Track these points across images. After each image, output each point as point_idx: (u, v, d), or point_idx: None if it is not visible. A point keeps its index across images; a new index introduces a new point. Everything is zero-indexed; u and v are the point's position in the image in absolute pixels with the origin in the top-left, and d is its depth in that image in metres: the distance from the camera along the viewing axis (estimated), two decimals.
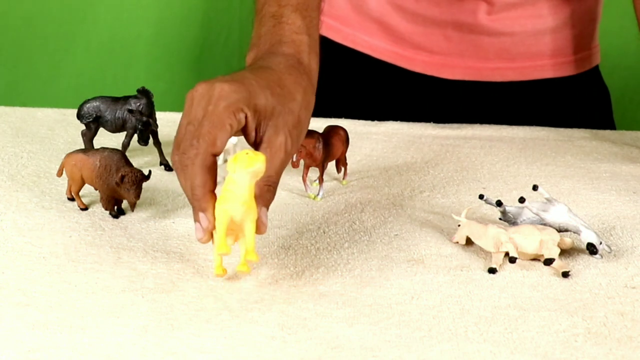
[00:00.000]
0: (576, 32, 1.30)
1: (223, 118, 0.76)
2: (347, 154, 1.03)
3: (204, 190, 0.76)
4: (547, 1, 1.26)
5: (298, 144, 0.81)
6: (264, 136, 0.79)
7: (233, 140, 0.99)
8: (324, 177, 1.00)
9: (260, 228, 0.76)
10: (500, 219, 0.91)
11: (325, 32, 1.32)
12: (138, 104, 1.04)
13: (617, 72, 1.47)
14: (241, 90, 0.78)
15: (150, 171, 0.92)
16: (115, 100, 1.05)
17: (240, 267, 0.77)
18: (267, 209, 0.77)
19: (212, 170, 0.77)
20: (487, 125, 1.25)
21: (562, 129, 1.26)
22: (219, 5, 1.94)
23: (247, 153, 0.73)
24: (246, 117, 0.77)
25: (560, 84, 1.31)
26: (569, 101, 1.33)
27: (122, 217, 0.93)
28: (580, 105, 1.34)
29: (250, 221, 0.75)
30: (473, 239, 0.86)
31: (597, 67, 1.36)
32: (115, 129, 1.05)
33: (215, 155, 0.77)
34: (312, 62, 0.88)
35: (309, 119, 0.84)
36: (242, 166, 0.72)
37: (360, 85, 1.34)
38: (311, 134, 0.96)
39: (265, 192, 0.77)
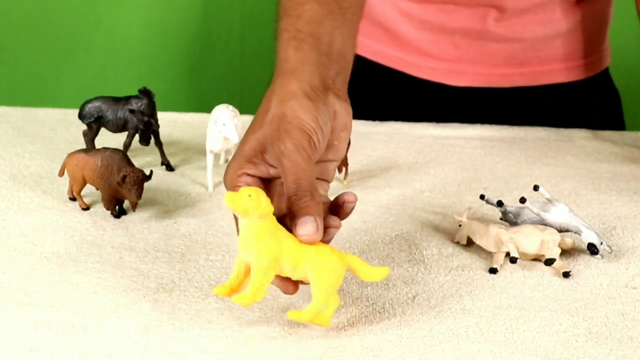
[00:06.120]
0: (587, 36, 1.29)
1: None
2: (348, 154, 1.03)
3: None
4: (558, 5, 1.25)
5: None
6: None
7: (234, 139, 0.99)
8: None
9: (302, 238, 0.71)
10: (501, 219, 0.91)
11: None
12: (139, 104, 1.04)
13: (620, 72, 1.47)
14: None
15: (151, 171, 0.92)
16: (117, 100, 1.05)
17: (237, 298, 0.71)
18: (314, 216, 0.71)
19: None
20: (488, 126, 1.25)
21: (562, 129, 1.26)
22: (220, 4, 1.94)
23: (249, 195, 0.69)
24: None
25: (570, 88, 1.31)
26: (579, 105, 1.32)
27: (123, 217, 0.93)
28: (591, 109, 1.33)
29: (254, 265, 0.70)
30: (474, 239, 0.86)
31: (607, 69, 1.35)
32: (116, 129, 1.05)
33: None
34: None
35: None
36: (241, 212, 0.69)
37: (366, 92, 1.33)
38: None
39: (297, 201, 0.72)
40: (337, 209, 0.76)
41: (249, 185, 0.73)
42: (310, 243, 0.70)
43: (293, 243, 0.70)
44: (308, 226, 0.70)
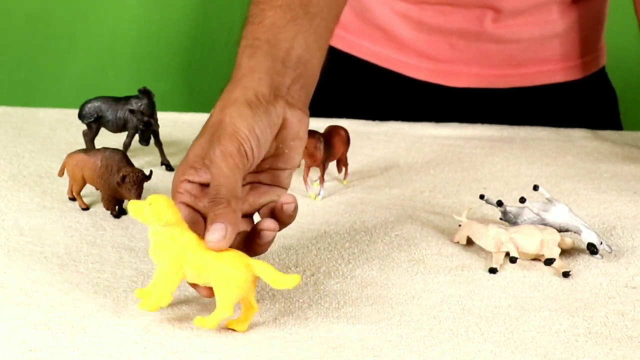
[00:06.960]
0: (583, 36, 1.29)
1: None
2: (348, 154, 1.03)
3: None
4: (555, 6, 1.25)
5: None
6: None
7: None
8: (325, 177, 1.00)
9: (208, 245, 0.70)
10: (500, 219, 0.91)
11: None
12: (139, 104, 1.04)
13: (619, 72, 1.47)
14: None
15: (151, 171, 0.92)
16: (117, 100, 1.05)
17: (142, 304, 0.72)
18: (225, 223, 0.70)
19: None
20: (488, 125, 1.25)
21: (562, 129, 1.26)
22: (220, 4, 1.94)
23: (150, 204, 0.70)
24: None
25: (567, 87, 1.31)
26: (576, 105, 1.32)
27: (123, 217, 0.93)
28: (588, 108, 1.33)
29: (158, 271, 0.71)
30: (474, 239, 0.86)
31: (603, 68, 1.35)
32: (116, 129, 1.05)
33: None
34: None
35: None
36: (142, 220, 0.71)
37: (363, 94, 1.33)
38: (312, 134, 0.96)
39: (213, 208, 0.72)
40: (278, 212, 0.76)
41: (188, 192, 0.75)
42: (217, 250, 0.70)
43: (197, 250, 0.70)
44: (216, 233, 0.70)
